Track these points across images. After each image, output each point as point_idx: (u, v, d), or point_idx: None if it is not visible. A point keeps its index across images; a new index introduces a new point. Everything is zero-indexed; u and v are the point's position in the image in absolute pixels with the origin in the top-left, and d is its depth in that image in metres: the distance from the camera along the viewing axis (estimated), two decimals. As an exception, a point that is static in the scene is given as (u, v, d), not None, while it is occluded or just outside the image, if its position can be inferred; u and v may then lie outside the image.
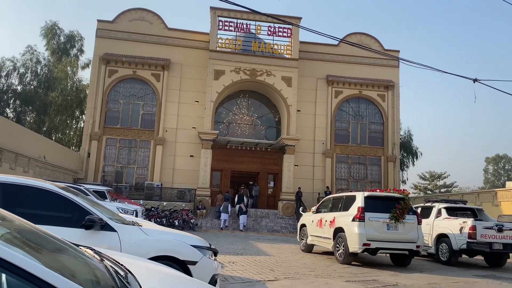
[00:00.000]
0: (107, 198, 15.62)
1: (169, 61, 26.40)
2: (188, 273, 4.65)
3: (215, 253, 5.40)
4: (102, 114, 25.73)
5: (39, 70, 34.15)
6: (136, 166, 25.95)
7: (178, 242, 5.03)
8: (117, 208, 13.32)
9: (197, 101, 26.15)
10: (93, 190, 14.57)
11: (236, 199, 23.40)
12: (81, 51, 37.26)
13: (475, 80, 9.10)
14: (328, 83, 27.86)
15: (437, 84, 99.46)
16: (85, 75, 66.92)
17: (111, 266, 2.67)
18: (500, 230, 11.13)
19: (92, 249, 3.06)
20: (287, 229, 22.45)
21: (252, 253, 11.99)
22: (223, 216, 21.97)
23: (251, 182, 27.66)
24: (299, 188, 25.29)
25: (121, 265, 2.87)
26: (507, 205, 17.69)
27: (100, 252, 3.04)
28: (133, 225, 5.15)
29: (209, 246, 5.31)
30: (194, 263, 4.86)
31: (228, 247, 13.11)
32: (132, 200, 19.99)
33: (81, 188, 13.17)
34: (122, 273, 2.61)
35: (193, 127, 25.91)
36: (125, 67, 26.26)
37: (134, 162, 26.00)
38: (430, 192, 46.90)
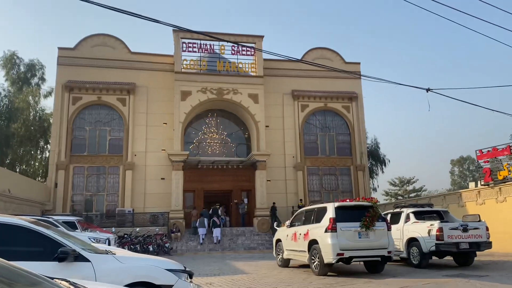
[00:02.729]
0: (77, 229, 15.25)
1: (135, 85, 26.26)
2: (165, 297, 4.70)
3: (191, 276, 5.47)
4: (68, 142, 25.18)
5: (-2, 102, 33.08)
6: (106, 193, 25.41)
7: (153, 267, 5.08)
8: (89, 238, 13.07)
9: (165, 123, 26.04)
10: (62, 221, 14.24)
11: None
12: (42, 79, 36.38)
13: (428, 90, 9.67)
14: (294, 97, 28.41)
15: (397, 92, 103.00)
16: (48, 104, 65.12)
17: (87, 296, 2.73)
18: (465, 230, 11.64)
19: (67, 281, 3.10)
20: (264, 246, 22.49)
21: (229, 272, 11.98)
22: (201, 231, 22.26)
23: (235, 201, 27.39)
24: (274, 203, 25.44)
25: (97, 294, 2.93)
26: (471, 205, 18.47)
27: (76, 283, 3.08)
28: (107, 253, 5.16)
29: (184, 268, 5.37)
30: (170, 286, 4.91)
31: (205, 268, 13.04)
32: (104, 229, 19.53)
33: (50, 220, 12.87)
34: (98, 302, 2.68)
35: (162, 149, 25.71)
36: (89, 94, 25.91)
37: (104, 189, 25.46)
38: (401, 198, 48.05)
